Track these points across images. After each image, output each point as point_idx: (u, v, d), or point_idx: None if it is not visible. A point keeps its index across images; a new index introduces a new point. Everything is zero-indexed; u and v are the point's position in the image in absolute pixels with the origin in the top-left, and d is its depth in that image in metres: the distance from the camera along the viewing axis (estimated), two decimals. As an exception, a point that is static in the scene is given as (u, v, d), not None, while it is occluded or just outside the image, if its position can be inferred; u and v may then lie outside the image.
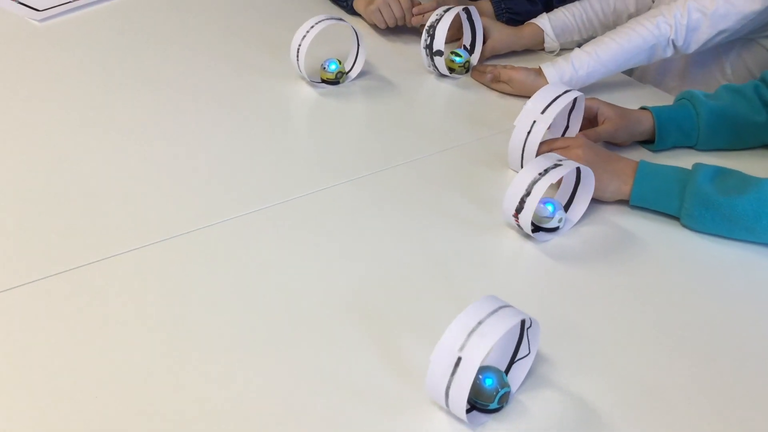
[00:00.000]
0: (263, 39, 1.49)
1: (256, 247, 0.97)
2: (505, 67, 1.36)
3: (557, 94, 1.08)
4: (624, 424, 0.75)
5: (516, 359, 0.78)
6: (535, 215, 0.97)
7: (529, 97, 1.10)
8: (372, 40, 1.49)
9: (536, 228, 0.99)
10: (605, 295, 0.92)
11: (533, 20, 1.48)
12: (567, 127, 1.17)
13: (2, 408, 0.73)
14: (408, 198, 1.08)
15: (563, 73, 1.29)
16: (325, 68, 1.34)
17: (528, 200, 0.94)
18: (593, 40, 1.32)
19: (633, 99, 1.30)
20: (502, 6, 1.53)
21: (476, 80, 1.41)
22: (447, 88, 1.39)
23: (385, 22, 1.50)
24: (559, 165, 0.95)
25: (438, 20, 1.35)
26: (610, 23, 1.45)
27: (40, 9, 1.55)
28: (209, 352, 0.81)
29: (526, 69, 1.34)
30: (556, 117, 1.07)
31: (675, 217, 1.02)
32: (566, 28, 1.46)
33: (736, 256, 0.98)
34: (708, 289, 0.94)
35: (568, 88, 1.09)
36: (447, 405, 0.72)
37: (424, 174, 1.13)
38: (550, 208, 0.98)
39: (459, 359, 0.69)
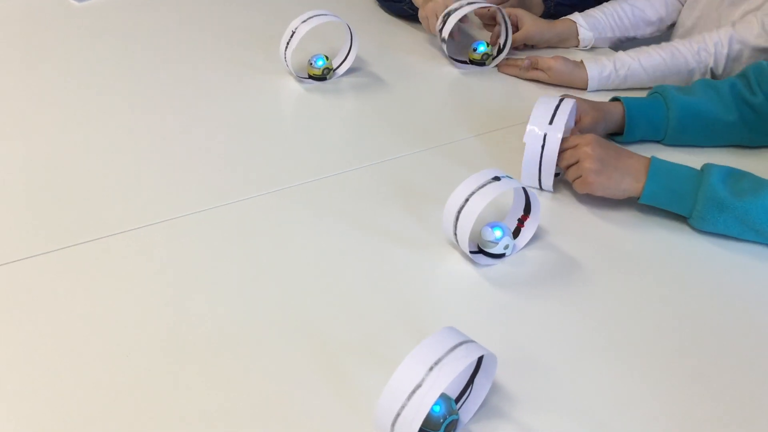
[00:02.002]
0: (260, 35, 1.46)
1: (210, 245, 0.95)
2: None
3: (555, 104, 1.04)
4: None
5: (468, 391, 0.75)
6: (480, 238, 0.93)
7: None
8: (367, 38, 1.45)
9: (480, 250, 0.94)
10: (556, 323, 0.87)
11: (566, 16, 1.48)
12: None
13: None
14: (362, 203, 1.04)
15: (603, 69, 1.31)
16: (312, 64, 1.30)
17: (461, 218, 0.88)
18: (637, 48, 1.33)
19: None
20: None
21: (505, 72, 1.40)
22: (436, 88, 1.35)
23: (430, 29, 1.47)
24: (498, 180, 0.90)
25: (456, 9, 1.34)
26: (640, 25, 1.48)
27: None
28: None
29: (565, 58, 1.34)
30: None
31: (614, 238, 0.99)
32: (598, 24, 1.47)
33: (699, 274, 0.94)
34: (662, 317, 0.88)
35: (561, 97, 1.06)
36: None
37: (395, 174, 1.10)
38: (497, 232, 0.93)
39: (413, 393, 0.64)
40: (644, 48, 1.33)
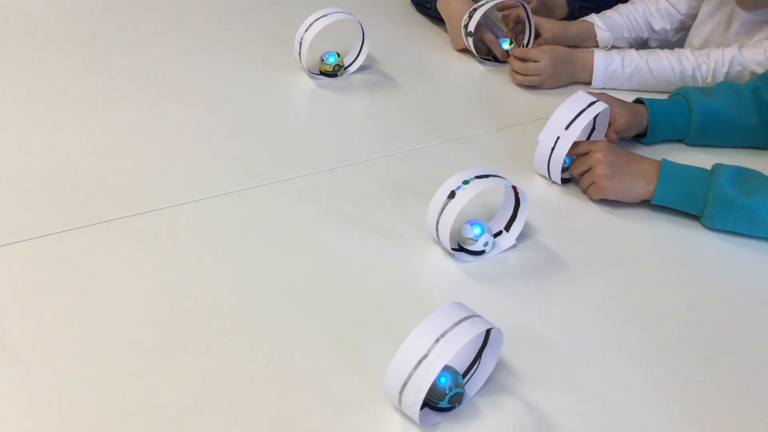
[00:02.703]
0: (274, 31, 1.49)
1: (219, 230, 0.97)
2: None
3: (583, 107, 1.06)
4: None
5: (475, 366, 0.77)
6: (460, 235, 0.94)
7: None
8: (378, 37, 1.48)
9: (461, 248, 0.95)
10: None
11: (583, 18, 1.52)
12: (593, 129, 1.16)
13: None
14: (371, 193, 1.06)
15: (610, 63, 1.34)
16: (323, 60, 1.33)
17: (442, 217, 0.90)
18: (649, 50, 1.37)
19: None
20: None
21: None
22: (446, 87, 1.38)
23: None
24: (480, 179, 0.91)
25: (482, 4, 1.37)
26: (672, 16, 1.50)
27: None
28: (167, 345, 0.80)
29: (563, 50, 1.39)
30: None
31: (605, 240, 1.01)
32: (615, 24, 1.50)
33: (708, 267, 0.97)
34: (668, 306, 0.91)
35: (594, 99, 1.08)
36: (400, 404, 0.70)
37: (398, 168, 1.13)
38: (476, 230, 0.94)
39: (419, 363, 0.67)
40: (656, 50, 1.37)
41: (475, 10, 1.39)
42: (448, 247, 0.93)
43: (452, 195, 0.89)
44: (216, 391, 0.74)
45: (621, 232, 1.02)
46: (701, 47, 1.42)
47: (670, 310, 0.90)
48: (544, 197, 1.09)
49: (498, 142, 1.22)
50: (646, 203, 1.05)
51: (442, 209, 0.89)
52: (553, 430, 0.73)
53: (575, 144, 1.07)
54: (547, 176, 1.10)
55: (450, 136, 1.22)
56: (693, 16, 1.48)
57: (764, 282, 0.95)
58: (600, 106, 1.07)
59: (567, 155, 1.06)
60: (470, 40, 1.41)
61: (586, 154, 1.06)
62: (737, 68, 1.29)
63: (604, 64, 1.34)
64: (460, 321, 0.69)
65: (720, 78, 1.30)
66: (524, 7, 1.44)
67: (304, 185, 1.07)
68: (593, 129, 1.16)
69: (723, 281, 0.95)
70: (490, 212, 1.00)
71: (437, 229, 0.91)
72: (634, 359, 0.82)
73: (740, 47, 1.30)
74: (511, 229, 0.98)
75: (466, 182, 0.89)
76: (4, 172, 1.04)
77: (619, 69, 1.34)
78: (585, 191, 1.07)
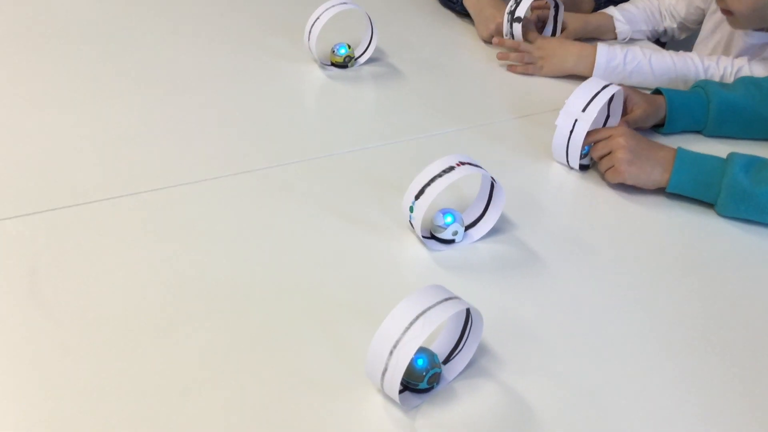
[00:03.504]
0: (284, 23, 1.53)
1: (213, 213, 1.02)
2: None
3: (596, 91, 1.09)
4: (551, 424, 0.77)
5: (457, 351, 0.81)
6: (431, 224, 0.97)
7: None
8: (387, 29, 1.51)
9: (432, 235, 0.98)
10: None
11: (601, 10, 1.54)
12: (608, 116, 1.19)
13: None
14: (378, 179, 1.10)
15: (612, 57, 1.35)
16: (334, 51, 1.37)
17: (417, 204, 0.92)
18: (654, 49, 1.39)
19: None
20: None
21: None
22: (451, 79, 1.41)
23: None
24: (452, 169, 0.92)
25: None
26: (674, 17, 1.54)
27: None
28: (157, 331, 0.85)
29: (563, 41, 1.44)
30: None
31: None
32: (633, 17, 1.53)
33: (719, 252, 1.01)
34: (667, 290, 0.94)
35: (607, 83, 1.11)
36: (382, 387, 0.74)
37: (400, 155, 1.17)
38: (448, 219, 0.95)
39: (396, 345, 0.70)
40: (660, 50, 1.38)
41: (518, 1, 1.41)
42: (420, 234, 0.95)
43: (430, 182, 0.91)
44: (206, 371, 0.79)
45: (636, 218, 1.06)
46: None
47: (670, 296, 0.93)
48: (563, 183, 1.13)
49: (515, 130, 1.26)
50: (661, 190, 1.08)
51: (417, 197, 0.92)
52: (529, 414, 0.77)
53: (597, 130, 1.10)
54: (566, 162, 1.14)
55: (465, 123, 1.26)
56: (693, 21, 1.52)
57: None
58: (614, 88, 1.10)
59: (586, 144, 1.10)
60: (517, 26, 1.42)
61: (608, 138, 1.09)
62: (745, 71, 1.31)
63: (606, 58, 1.35)
64: (439, 302, 0.72)
65: (728, 80, 1.32)
66: (557, 5, 1.47)
67: (314, 169, 1.12)
68: (608, 116, 1.18)
69: (732, 269, 0.98)
70: (467, 203, 1.03)
71: (411, 218, 0.94)
72: (621, 345, 0.86)
73: (749, 60, 1.32)
74: (483, 221, 1.00)
75: (444, 171, 0.92)
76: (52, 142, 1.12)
77: (621, 65, 1.35)
78: (603, 174, 1.10)
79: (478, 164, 0.95)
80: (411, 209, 0.93)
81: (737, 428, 0.77)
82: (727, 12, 1.28)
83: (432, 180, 0.92)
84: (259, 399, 0.76)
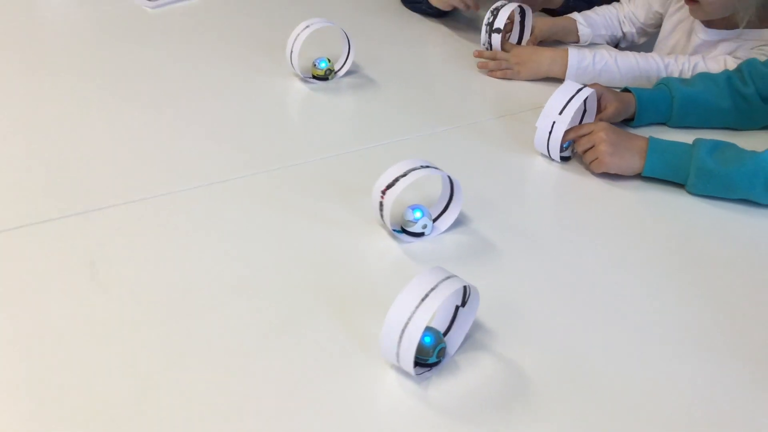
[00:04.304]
0: (265, 43, 1.61)
1: (218, 216, 1.09)
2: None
3: (571, 95, 1.20)
4: (545, 389, 0.83)
5: (456, 319, 0.87)
6: (402, 218, 1.05)
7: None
8: (361, 44, 1.58)
9: (403, 229, 1.06)
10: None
11: (566, 15, 1.68)
12: (585, 112, 1.30)
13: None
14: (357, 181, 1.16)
15: (583, 59, 1.46)
16: (315, 65, 1.45)
17: (386, 197, 1.00)
18: (619, 51, 1.52)
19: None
20: None
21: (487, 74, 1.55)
22: (426, 84, 1.51)
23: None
24: (417, 169, 1.01)
25: (503, 5, 1.52)
26: (633, 23, 1.67)
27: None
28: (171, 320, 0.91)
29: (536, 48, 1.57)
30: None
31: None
32: (594, 22, 1.66)
33: (692, 224, 1.12)
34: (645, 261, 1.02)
35: (581, 86, 1.22)
36: (398, 361, 0.80)
37: (380, 158, 1.20)
38: (417, 214, 1.04)
39: (408, 322, 0.77)
40: (626, 52, 1.49)
41: (497, 9, 1.51)
42: (389, 227, 1.03)
43: (393, 182, 1.00)
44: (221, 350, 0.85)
45: (616, 200, 1.17)
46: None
47: (649, 262, 1.04)
48: (545, 172, 1.24)
49: (497, 128, 1.36)
50: (638, 175, 1.20)
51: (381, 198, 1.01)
52: (524, 380, 0.84)
53: (580, 126, 1.23)
54: (548, 155, 1.25)
55: (442, 125, 1.36)
56: (651, 26, 1.65)
57: (737, 237, 1.10)
58: (587, 91, 1.21)
59: (567, 140, 1.21)
60: (496, 36, 1.53)
61: (589, 133, 1.20)
62: (701, 67, 1.42)
63: (577, 60, 1.46)
64: (442, 281, 0.80)
65: (686, 75, 1.43)
66: (523, 10, 1.58)
67: (297, 173, 1.19)
68: (585, 112, 1.30)
69: (702, 237, 1.10)
70: (432, 200, 1.11)
71: (381, 214, 1.02)
72: (599, 313, 0.94)
73: (704, 57, 1.44)
74: (446, 214, 1.08)
75: (407, 173, 1.01)
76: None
77: (591, 65, 1.45)
78: (588, 166, 1.22)
79: (436, 167, 1.04)
80: (381, 205, 1.02)
81: (719, 380, 0.86)
82: (691, 1, 1.39)
83: (395, 180, 1.01)
84: (284, 381, 0.82)
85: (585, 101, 1.25)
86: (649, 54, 1.48)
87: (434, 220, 1.08)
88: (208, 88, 1.44)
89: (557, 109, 1.20)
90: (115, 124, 1.29)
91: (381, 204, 1.01)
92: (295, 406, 0.79)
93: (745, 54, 1.42)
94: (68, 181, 1.14)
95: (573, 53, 1.47)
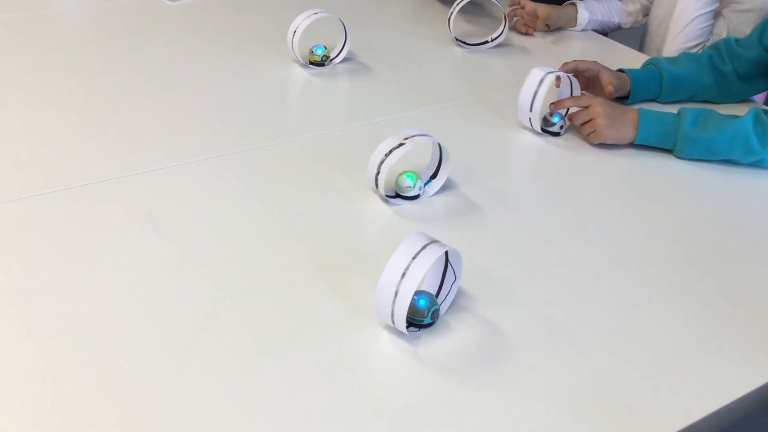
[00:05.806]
0: (264, 34, 1.69)
1: (218, 187, 1.15)
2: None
3: (535, 89, 1.29)
4: (524, 345, 0.88)
5: (444, 283, 0.92)
6: (396, 184, 1.12)
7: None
8: (357, 33, 1.66)
9: (397, 195, 1.13)
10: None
11: (568, 2, 1.81)
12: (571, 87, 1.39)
13: None
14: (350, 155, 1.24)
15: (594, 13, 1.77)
16: (312, 52, 1.52)
17: (382, 168, 1.08)
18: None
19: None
20: None
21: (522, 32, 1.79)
22: (418, 76, 1.57)
23: None
24: (403, 144, 1.09)
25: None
26: (622, 14, 1.84)
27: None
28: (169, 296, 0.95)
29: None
30: (562, 88, 1.36)
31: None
32: (592, 8, 1.82)
33: (680, 187, 1.20)
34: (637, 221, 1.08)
35: (546, 72, 1.30)
36: (392, 322, 0.85)
37: (373, 135, 1.27)
38: (410, 180, 1.11)
39: (400, 283, 0.82)
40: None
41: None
42: (383, 194, 1.11)
43: (389, 152, 1.08)
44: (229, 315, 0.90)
45: (612, 166, 1.27)
46: (660, 22, 1.69)
47: (639, 221, 1.13)
48: (529, 144, 1.33)
49: (484, 107, 1.44)
50: (631, 144, 1.31)
51: (381, 163, 1.08)
52: (505, 338, 0.89)
53: (579, 97, 1.33)
54: (530, 127, 1.33)
55: (432, 105, 1.43)
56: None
57: (720, 194, 1.21)
58: (550, 77, 1.29)
59: (564, 107, 1.32)
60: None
61: (587, 107, 1.30)
62: None
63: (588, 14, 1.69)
64: (428, 244, 0.85)
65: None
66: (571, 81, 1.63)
67: (298, 147, 1.27)
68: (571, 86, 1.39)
69: (689, 195, 1.20)
70: (421, 169, 1.18)
71: (377, 181, 1.10)
72: (577, 276, 1.00)
73: None
74: (437, 178, 1.16)
75: (402, 142, 1.08)
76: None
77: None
78: (586, 137, 1.31)
79: (427, 133, 1.11)
80: (378, 171, 1.10)
81: (695, 322, 0.92)
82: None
83: (391, 151, 1.08)
84: (285, 341, 0.87)
85: (570, 77, 1.36)
86: None
87: (425, 185, 1.16)
88: (218, 73, 1.53)
89: (538, 79, 1.29)
90: (149, 105, 1.39)
91: (378, 170, 1.09)
92: (294, 363, 0.84)
93: None
94: (114, 148, 1.23)
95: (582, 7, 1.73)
